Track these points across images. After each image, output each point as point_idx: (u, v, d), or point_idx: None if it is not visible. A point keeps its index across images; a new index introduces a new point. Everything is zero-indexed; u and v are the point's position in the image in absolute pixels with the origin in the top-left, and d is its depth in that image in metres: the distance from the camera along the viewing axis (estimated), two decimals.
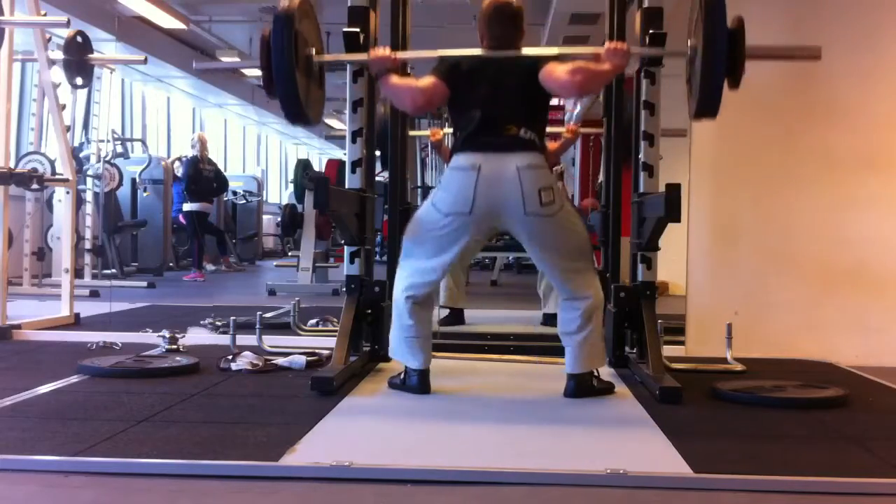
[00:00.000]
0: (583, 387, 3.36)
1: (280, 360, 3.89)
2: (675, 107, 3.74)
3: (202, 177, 9.94)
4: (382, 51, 3.39)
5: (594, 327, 3.38)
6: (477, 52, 3.43)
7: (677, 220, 3.38)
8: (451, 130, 3.77)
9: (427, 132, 5.70)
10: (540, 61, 3.31)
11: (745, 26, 3.14)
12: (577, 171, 10.99)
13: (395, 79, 3.36)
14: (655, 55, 3.81)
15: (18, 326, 4.77)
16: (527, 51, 3.40)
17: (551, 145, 4.77)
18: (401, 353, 3.44)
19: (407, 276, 3.42)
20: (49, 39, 5.61)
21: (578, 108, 11.78)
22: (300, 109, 3.26)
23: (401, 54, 3.51)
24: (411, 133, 5.33)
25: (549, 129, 3.81)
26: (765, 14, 4.45)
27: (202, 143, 10.07)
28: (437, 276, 3.42)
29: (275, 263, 10.80)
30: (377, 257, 4.75)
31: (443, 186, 3.36)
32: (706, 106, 3.12)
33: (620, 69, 3.31)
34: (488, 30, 3.43)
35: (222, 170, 11.19)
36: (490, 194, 3.22)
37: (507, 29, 3.40)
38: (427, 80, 3.36)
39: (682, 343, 4.39)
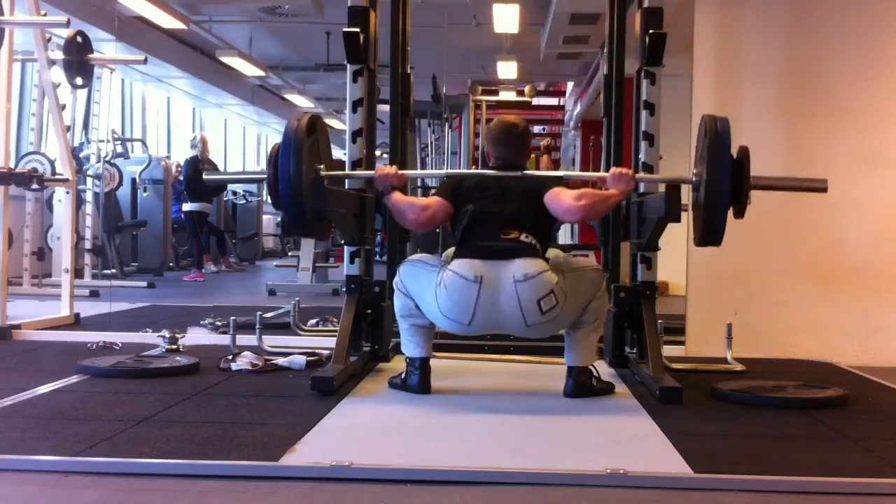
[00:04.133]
0: (583, 387, 3.37)
1: (280, 360, 3.89)
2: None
3: (202, 177, 9.93)
4: (388, 168, 3.49)
5: (596, 325, 3.38)
6: (483, 172, 3.54)
7: (677, 220, 3.38)
8: None
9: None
10: (546, 185, 3.37)
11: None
12: (578, 169, 11.00)
13: (398, 195, 3.46)
14: (660, 181, 3.85)
15: (18, 326, 4.77)
16: (532, 173, 3.52)
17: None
18: (404, 343, 3.45)
19: (404, 297, 3.41)
20: (49, 39, 5.60)
21: (578, 107, 11.80)
22: (307, 229, 3.31)
23: (406, 173, 3.63)
24: None
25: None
26: (764, 15, 4.46)
27: (204, 144, 10.08)
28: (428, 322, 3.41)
29: (275, 263, 10.79)
30: (377, 257, 4.75)
31: (444, 288, 3.23)
32: (710, 235, 3.16)
33: (626, 195, 3.43)
34: (494, 150, 3.53)
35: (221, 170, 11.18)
36: (490, 309, 3.21)
37: (513, 150, 3.51)
38: (430, 198, 3.48)
39: (682, 343, 4.39)
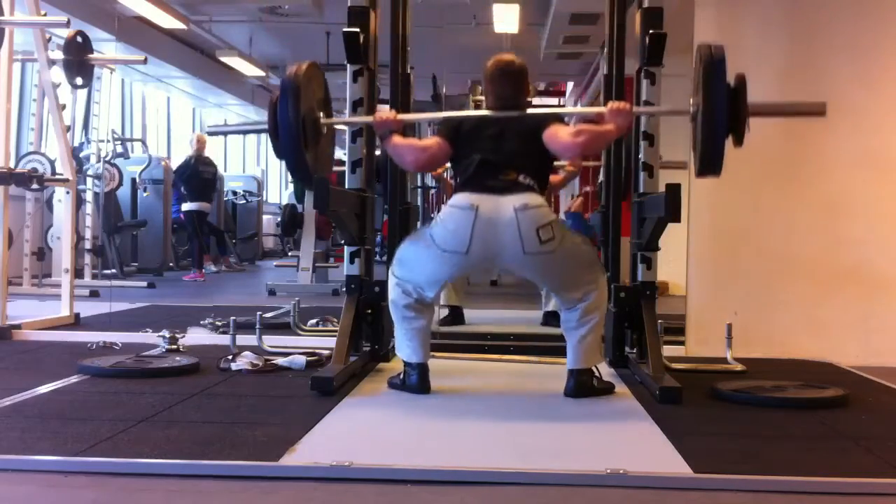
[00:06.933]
0: (583, 387, 3.36)
1: (280, 360, 3.89)
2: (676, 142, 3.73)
3: (200, 178, 9.96)
4: (387, 113, 3.47)
5: (594, 325, 3.37)
6: (481, 113, 3.50)
7: (677, 220, 3.38)
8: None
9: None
10: (544, 123, 3.35)
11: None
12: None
13: (397, 138, 3.45)
14: (658, 114, 3.83)
15: (18, 326, 4.77)
16: (530, 111, 3.46)
17: (553, 178, 4.80)
18: (401, 347, 3.44)
19: (401, 285, 3.41)
20: (49, 39, 5.60)
21: (578, 106, 11.78)
22: (306, 174, 3.31)
23: (404, 116, 3.58)
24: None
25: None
26: (764, 15, 4.46)
27: (200, 144, 10.09)
28: (431, 294, 3.41)
29: (275, 263, 10.79)
30: (377, 257, 4.75)
31: (441, 223, 3.32)
32: (709, 164, 3.12)
33: (624, 130, 3.37)
34: (492, 88, 3.49)
35: (221, 169, 11.19)
36: (487, 237, 3.21)
37: (510, 88, 3.45)
38: (429, 139, 3.47)
39: (682, 343, 4.39)
